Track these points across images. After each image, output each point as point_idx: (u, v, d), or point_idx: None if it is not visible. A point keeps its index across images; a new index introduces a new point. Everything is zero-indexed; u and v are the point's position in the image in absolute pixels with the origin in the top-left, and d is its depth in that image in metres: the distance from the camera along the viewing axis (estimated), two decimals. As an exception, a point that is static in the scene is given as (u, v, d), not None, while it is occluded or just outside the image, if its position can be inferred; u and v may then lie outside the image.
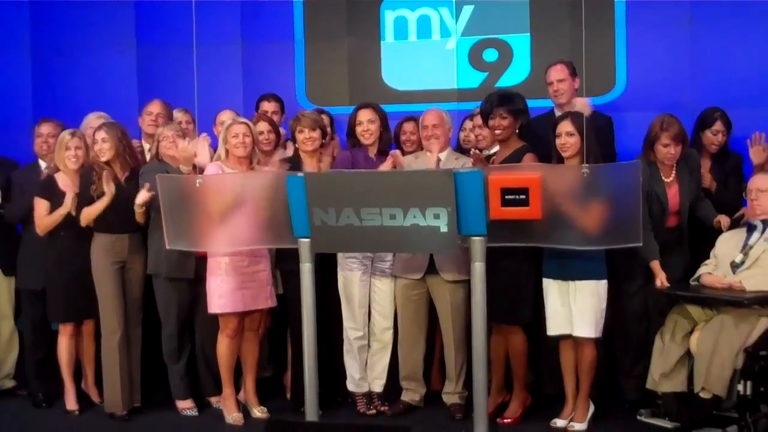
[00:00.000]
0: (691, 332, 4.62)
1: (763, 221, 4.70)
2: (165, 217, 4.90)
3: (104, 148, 5.25)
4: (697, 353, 4.50)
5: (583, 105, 5.23)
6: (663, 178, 5.02)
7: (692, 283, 4.80)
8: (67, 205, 5.27)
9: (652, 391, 4.71)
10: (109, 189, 5.15)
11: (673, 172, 5.03)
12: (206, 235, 4.95)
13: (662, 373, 4.60)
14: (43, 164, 5.73)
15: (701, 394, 4.45)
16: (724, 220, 4.99)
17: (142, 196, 5.12)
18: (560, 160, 4.84)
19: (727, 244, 4.80)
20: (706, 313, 4.66)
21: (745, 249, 4.69)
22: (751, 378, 4.41)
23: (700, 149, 5.30)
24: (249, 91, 6.69)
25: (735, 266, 4.69)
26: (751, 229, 4.74)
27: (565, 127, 4.79)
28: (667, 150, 4.95)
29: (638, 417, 4.85)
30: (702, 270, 4.81)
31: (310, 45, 6.88)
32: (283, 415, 5.18)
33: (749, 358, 4.41)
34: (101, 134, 5.28)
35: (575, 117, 4.80)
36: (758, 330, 4.48)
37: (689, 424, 4.58)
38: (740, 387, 4.42)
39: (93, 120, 5.80)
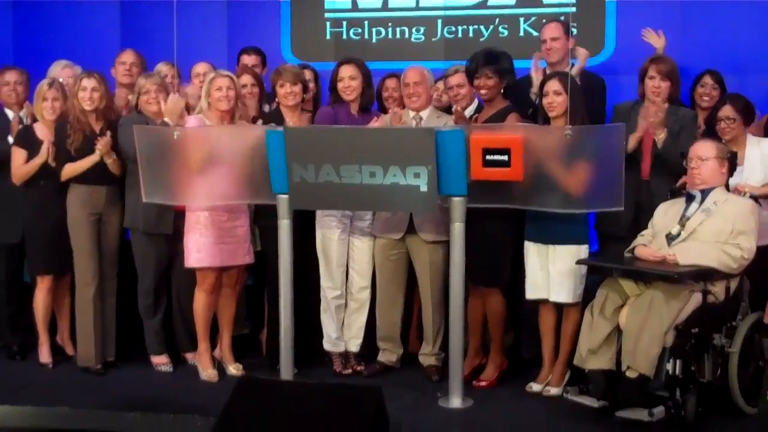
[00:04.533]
0: (622, 307, 4.38)
1: (703, 191, 4.48)
2: (142, 169, 4.87)
3: (94, 96, 5.15)
4: (626, 329, 4.28)
5: (583, 55, 5.22)
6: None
7: (626, 254, 4.56)
8: (43, 154, 5.19)
9: (579, 368, 4.47)
10: (99, 150, 5.08)
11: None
12: (184, 189, 4.93)
13: (589, 350, 4.34)
14: (10, 113, 5.60)
15: (628, 373, 4.21)
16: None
17: (102, 144, 5.06)
18: (546, 120, 4.76)
19: (665, 214, 4.58)
20: (639, 287, 4.40)
21: (682, 220, 4.48)
22: (681, 357, 4.21)
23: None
24: (234, 46, 6.55)
25: (671, 238, 4.47)
26: (689, 199, 4.53)
27: (553, 86, 4.71)
28: (652, 83, 4.85)
29: (564, 395, 4.64)
30: (637, 241, 4.58)
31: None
32: (258, 373, 5.14)
33: (679, 336, 4.21)
34: (91, 82, 5.16)
35: (563, 76, 4.72)
36: (690, 306, 4.28)
37: (616, 404, 4.30)
38: (669, 366, 4.22)
39: (59, 69, 5.72)
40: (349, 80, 5.17)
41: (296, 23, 6.75)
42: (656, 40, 5.40)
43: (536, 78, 5.26)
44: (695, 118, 5.05)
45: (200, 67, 5.74)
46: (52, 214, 5.28)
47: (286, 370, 4.77)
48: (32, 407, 4.62)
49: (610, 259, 4.73)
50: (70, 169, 5.16)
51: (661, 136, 4.77)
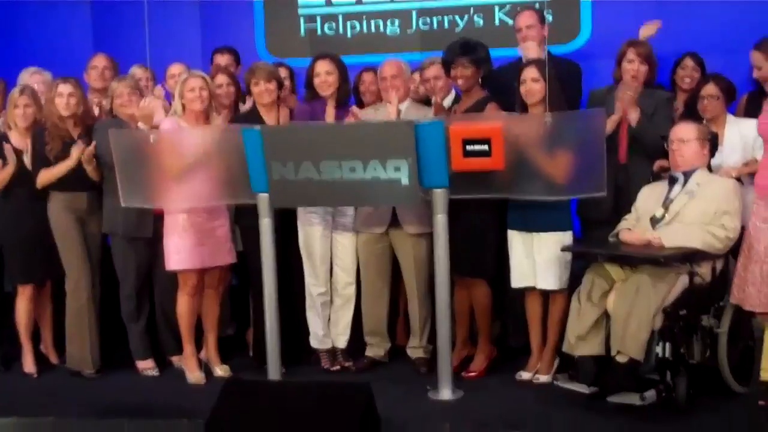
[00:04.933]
0: (609, 292, 4.37)
1: (685, 173, 4.47)
2: (119, 174, 4.84)
3: (71, 102, 5.09)
4: (614, 314, 4.26)
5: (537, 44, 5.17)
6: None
7: (611, 239, 4.56)
8: (12, 162, 5.12)
9: (568, 355, 4.46)
10: (75, 155, 5.02)
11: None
12: (162, 192, 4.89)
13: (578, 336, 4.33)
14: None
15: (618, 358, 4.20)
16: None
17: (76, 151, 5.01)
18: (524, 108, 4.73)
19: (649, 198, 4.57)
20: (625, 272, 4.39)
21: (666, 203, 4.47)
22: (670, 339, 4.20)
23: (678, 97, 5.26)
24: (207, 45, 6.50)
25: (655, 221, 4.46)
26: (672, 181, 4.51)
27: (530, 73, 4.69)
28: (631, 66, 4.84)
29: (554, 382, 4.61)
30: (621, 225, 4.58)
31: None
32: (245, 373, 5.09)
33: (668, 318, 4.20)
34: (67, 88, 5.10)
35: (540, 64, 4.70)
36: (677, 289, 4.27)
37: (607, 389, 4.28)
38: (659, 349, 4.21)
39: (28, 76, 5.67)
40: (325, 75, 5.12)
41: (270, 21, 6.68)
42: (649, 29, 5.26)
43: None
44: (670, 99, 5.05)
45: (175, 68, 5.71)
46: (28, 223, 5.22)
47: (274, 370, 4.73)
48: (18, 418, 4.59)
49: (596, 245, 4.70)
50: (46, 175, 5.10)
51: (634, 116, 4.76)
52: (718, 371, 4.37)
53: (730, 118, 4.95)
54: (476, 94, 4.95)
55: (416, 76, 5.46)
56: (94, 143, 5.01)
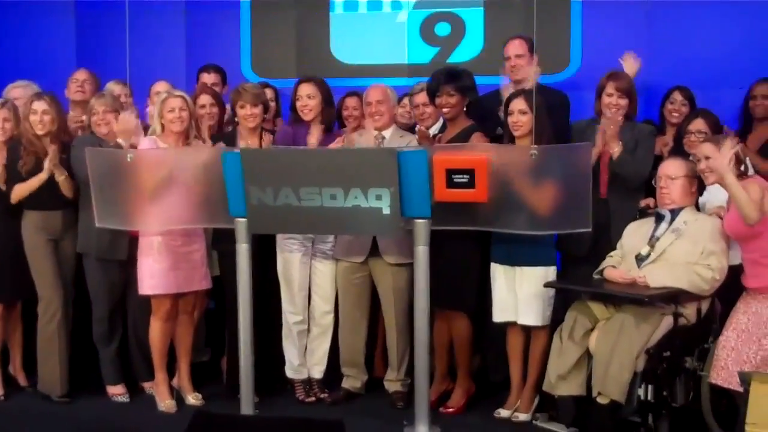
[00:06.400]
0: (591, 330, 4.30)
1: (672, 211, 4.40)
2: (94, 193, 4.71)
3: (45, 120, 4.98)
4: (596, 354, 4.18)
5: (534, 73, 5.09)
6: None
7: (595, 276, 4.47)
8: None
9: (548, 393, 4.38)
10: (47, 167, 4.90)
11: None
12: (138, 213, 4.76)
13: (559, 375, 4.26)
14: None
15: (599, 399, 4.12)
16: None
17: (48, 162, 4.90)
18: (512, 138, 4.65)
19: (634, 234, 4.49)
20: (609, 310, 4.33)
21: (652, 241, 4.39)
22: (653, 381, 4.11)
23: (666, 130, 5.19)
24: (192, 62, 6.44)
25: (640, 259, 4.38)
26: (659, 219, 4.43)
27: (518, 104, 4.61)
28: (610, 100, 4.73)
29: (534, 422, 4.54)
30: (607, 262, 4.49)
31: (256, 14, 6.63)
32: (218, 402, 4.99)
33: (651, 360, 4.11)
34: (41, 105, 5.00)
35: (529, 95, 4.61)
36: (661, 330, 4.18)
37: (587, 430, 4.22)
38: (641, 391, 4.11)
39: (18, 90, 5.53)
40: (306, 99, 5.02)
41: (257, 40, 6.62)
42: (632, 66, 5.24)
43: (506, 96, 5.15)
44: (652, 133, 4.94)
45: (159, 86, 5.58)
46: (1, 240, 5.09)
47: (247, 401, 4.58)
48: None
49: (579, 282, 4.61)
50: (19, 190, 4.99)
51: (616, 150, 4.65)
52: (702, 415, 4.27)
53: None
54: (462, 123, 4.87)
55: (406, 101, 5.38)
56: (54, 149, 4.90)
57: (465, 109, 4.88)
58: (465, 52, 6.33)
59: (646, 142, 4.79)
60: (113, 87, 5.55)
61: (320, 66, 6.28)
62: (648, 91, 5.13)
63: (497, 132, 4.93)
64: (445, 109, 4.85)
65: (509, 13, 6.19)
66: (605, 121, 4.68)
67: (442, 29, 6.41)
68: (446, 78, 4.83)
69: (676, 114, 5.25)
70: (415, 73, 6.19)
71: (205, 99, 5.33)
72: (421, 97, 5.13)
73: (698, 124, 4.80)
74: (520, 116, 4.58)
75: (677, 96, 5.28)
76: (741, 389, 3.76)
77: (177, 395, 5.07)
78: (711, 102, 5.18)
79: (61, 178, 4.96)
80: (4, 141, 5.09)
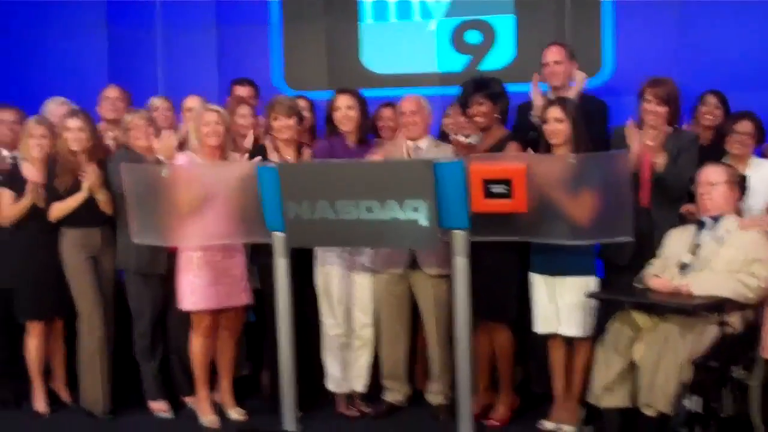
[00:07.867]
0: (635, 341, 4.20)
1: (714, 218, 4.33)
2: (131, 209, 4.71)
3: (81, 137, 5.01)
4: (641, 365, 4.10)
5: (581, 78, 5.10)
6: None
7: (636, 285, 4.40)
8: (30, 195, 5.03)
9: (593, 405, 4.31)
10: (86, 186, 4.93)
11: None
12: (174, 229, 4.73)
13: (604, 386, 4.20)
14: (5, 152, 5.45)
15: (645, 411, 4.04)
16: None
17: (86, 181, 4.93)
18: (548, 148, 4.60)
19: (676, 243, 4.40)
20: (652, 319, 4.23)
21: (694, 249, 4.32)
22: (700, 392, 3.97)
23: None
24: (224, 76, 6.46)
25: (683, 268, 4.31)
26: (700, 226, 4.37)
27: (554, 113, 4.56)
28: (649, 107, 4.65)
29: None
30: (648, 270, 4.41)
31: (286, 27, 6.63)
32: (260, 416, 4.97)
33: (697, 370, 3.98)
34: (77, 122, 5.02)
35: (564, 103, 4.57)
36: (706, 339, 4.08)
37: None
38: (688, 402, 3.99)
39: (55, 107, 5.57)
40: (346, 110, 5.02)
41: (288, 52, 6.62)
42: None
43: (536, 100, 5.12)
44: (695, 140, 4.85)
45: (191, 101, 5.60)
46: (41, 258, 5.13)
47: (289, 416, 4.55)
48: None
49: (622, 292, 4.53)
50: (58, 208, 5.02)
51: (660, 161, 4.59)
52: (751, 425, 4.17)
53: (754, 159, 4.82)
54: (497, 132, 4.83)
55: (451, 109, 5.37)
56: (93, 168, 4.93)
57: (500, 116, 4.85)
58: (497, 60, 6.30)
59: (690, 150, 4.72)
60: (156, 102, 5.58)
61: (351, 76, 6.30)
62: (683, 95, 5.05)
63: (529, 136, 4.89)
64: (477, 118, 4.81)
65: (540, 19, 6.15)
66: (647, 132, 4.61)
67: (473, 37, 6.37)
68: (474, 87, 4.81)
69: (709, 117, 5.19)
70: (446, 82, 6.18)
71: (245, 109, 5.38)
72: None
73: (745, 126, 4.76)
74: (556, 125, 4.54)
75: (711, 99, 5.23)
76: None
77: (219, 410, 5.06)
78: (744, 105, 5.12)
79: (100, 197, 4.98)
80: (41, 158, 5.11)
